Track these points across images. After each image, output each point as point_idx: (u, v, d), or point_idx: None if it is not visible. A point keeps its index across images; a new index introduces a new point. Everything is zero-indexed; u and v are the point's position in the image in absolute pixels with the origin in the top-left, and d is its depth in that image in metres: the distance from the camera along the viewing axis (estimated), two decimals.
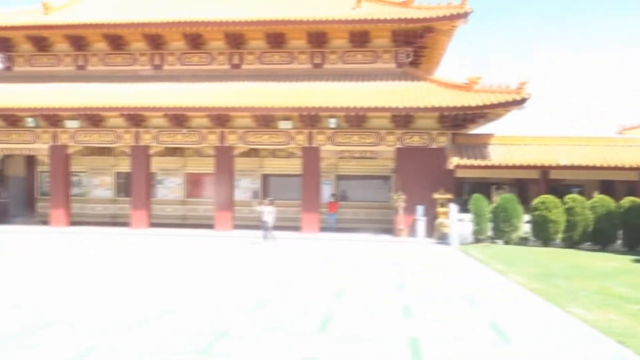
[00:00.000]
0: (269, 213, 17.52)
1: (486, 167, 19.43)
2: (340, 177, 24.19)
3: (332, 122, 20.51)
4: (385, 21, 20.36)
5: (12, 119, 21.96)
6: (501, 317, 7.60)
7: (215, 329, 6.63)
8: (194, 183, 24.96)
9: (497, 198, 18.63)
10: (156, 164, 23.78)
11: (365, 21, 20.43)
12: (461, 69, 57.56)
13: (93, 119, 21.44)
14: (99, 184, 25.57)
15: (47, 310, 7.63)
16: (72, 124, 21.70)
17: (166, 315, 7.42)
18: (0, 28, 21.91)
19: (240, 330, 6.66)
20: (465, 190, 20.84)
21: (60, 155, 22.30)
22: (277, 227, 20.19)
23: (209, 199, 23.17)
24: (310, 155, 21.00)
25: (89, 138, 22.11)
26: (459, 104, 18.86)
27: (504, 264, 12.92)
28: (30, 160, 25.38)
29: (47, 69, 23.41)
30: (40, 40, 23.08)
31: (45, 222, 22.95)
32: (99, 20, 21.25)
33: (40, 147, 22.42)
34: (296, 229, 21.29)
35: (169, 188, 25.00)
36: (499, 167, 19.40)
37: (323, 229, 21.48)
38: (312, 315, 7.57)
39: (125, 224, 22.50)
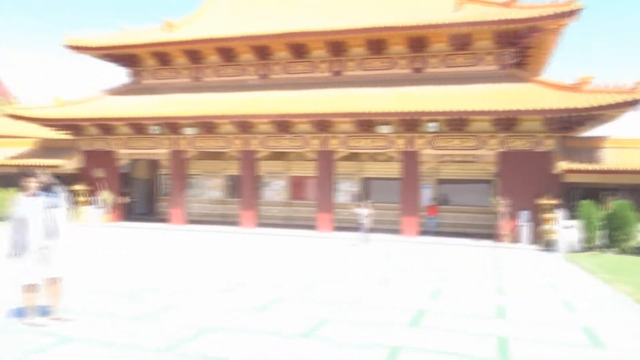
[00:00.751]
0: (366, 215, 18.01)
1: (598, 171, 18.53)
2: (440, 181, 24.29)
3: (432, 126, 20.61)
4: (487, 23, 20.12)
5: (139, 127, 24.50)
6: (597, 325, 7.57)
7: (314, 317, 7.35)
8: (297, 186, 26.34)
9: (611, 204, 17.72)
10: (262, 167, 25.36)
11: (468, 24, 20.31)
12: (573, 68, 54.17)
13: (207, 126, 23.31)
14: (211, 186, 27.81)
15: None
16: (189, 131, 23.72)
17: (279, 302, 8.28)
18: (129, 46, 24.41)
19: (337, 321, 7.31)
20: (573, 196, 19.99)
21: (178, 160, 24.50)
22: (376, 230, 20.73)
23: (311, 201, 24.19)
24: (410, 159, 21.31)
25: (204, 144, 24.03)
26: (566, 105, 18.17)
27: (613, 274, 12.47)
28: (153, 164, 28.21)
29: (168, 81, 25.90)
30: (162, 55, 25.59)
31: (164, 220, 25.26)
32: (212, 35, 23.06)
33: (162, 152, 24.75)
34: (395, 231, 21.71)
35: (275, 190, 26.56)
36: (612, 171, 18.42)
37: (422, 232, 21.71)
38: (406, 311, 8.06)
39: (234, 223, 24.24)
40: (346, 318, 7.58)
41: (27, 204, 6.44)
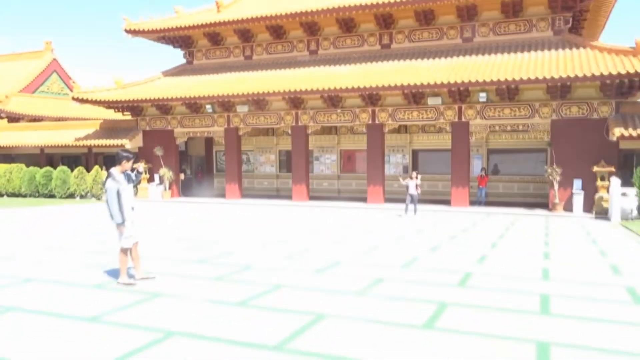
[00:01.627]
0: (415, 186, 18.29)
1: None
2: (491, 151, 24.52)
3: (482, 96, 20.71)
4: None
5: (194, 107, 25.73)
6: None
7: (370, 277, 8.14)
8: (347, 159, 27.15)
9: None
10: (313, 142, 26.35)
11: None
12: (632, 32, 51.46)
13: (259, 103, 24.21)
14: (264, 161, 29.08)
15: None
16: (242, 109, 24.71)
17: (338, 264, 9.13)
18: (183, 28, 25.53)
19: (391, 280, 8.07)
20: (629, 164, 19.79)
21: (232, 137, 25.62)
22: (427, 201, 21.28)
23: (362, 174, 24.83)
24: (460, 129, 21.57)
25: (256, 120, 25.03)
26: (623, 70, 17.86)
27: None
28: (208, 142, 29.68)
29: (220, 60, 27.09)
30: (214, 35, 26.68)
31: (221, 195, 26.73)
32: (262, 14, 23.81)
33: (217, 130, 25.93)
34: (446, 202, 22.28)
35: (325, 164, 27.51)
36: None
37: (473, 202, 22.14)
38: (454, 272, 8.72)
39: (287, 197, 25.43)
40: (400, 278, 8.29)
41: (122, 180, 7.50)
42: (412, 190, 18.20)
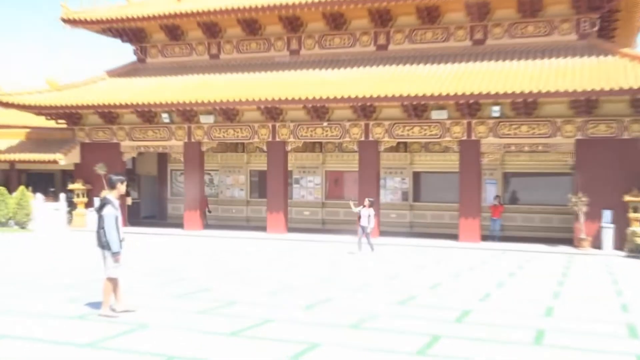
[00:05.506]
0: (367, 216, 19.44)
1: None
2: (507, 175, 26.87)
3: (496, 111, 22.65)
4: None
5: (147, 115, 27.32)
6: None
7: (363, 312, 10.31)
8: (334, 182, 29.18)
9: None
10: (293, 160, 28.05)
11: None
12: None
13: (228, 113, 25.87)
14: (232, 184, 30.92)
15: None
16: (206, 119, 26.31)
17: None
18: (135, 19, 27.49)
19: (387, 316, 10.23)
20: None
21: (194, 153, 27.24)
22: (431, 235, 23.47)
23: (351, 200, 26.59)
24: (469, 149, 23.63)
25: (223, 134, 26.79)
26: None
27: None
28: (162, 158, 31.29)
29: (180, 59, 29.12)
30: (173, 29, 28.67)
31: (177, 225, 28.03)
32: (232, 5, 25.72)
33: (175, 144, 27.56)
34: (453, 236, 24.10)
35: (307, 188, 29.46)
36: None
37: (486, 237, 24.03)
38: (452, 309, 10.90)
39: (260, 228, 26.92)
40: (396, 314, 10.46)
41: (116, 205, 9.61)
42: (364, 222, 19.43)
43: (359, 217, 19.64)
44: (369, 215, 19.46)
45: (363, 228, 19.50)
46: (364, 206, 19.78)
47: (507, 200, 26.47)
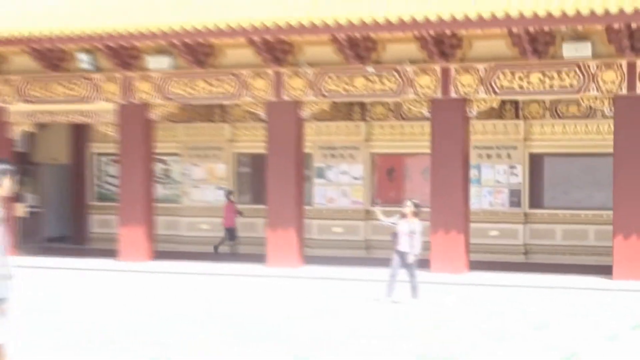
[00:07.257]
0: (409, 232, 14.76)
1: None
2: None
3: None
4: None
5: (52, 56, 20.55)
6: None
7: None
8: (387, 174, 22.92)
9: None
10: (314, 136, 22.13)
11: None
12: None
13: (197, 51, 19.69)
14: (204, 178, 24.17)
15: None
16: (158, 63, 19.92)
17: None
18: None
19: None
20: None
21: (136, 123, 20.65)
22: (565, 268, 17.97)
23: (377, 206, 21.26)
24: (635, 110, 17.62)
25: (189, 89, 20.31)
26: None
27: None
28: (79, 135, 24.92)
29: None
30: None
31: (106, 252, 21.46)
32: None
33: (101, 109, 20.86)
34: (604, 270, 17.47)
35: (339, 186, 23.14)
36: None
37: None
38: None
39: (252, 258, 20.15)
40: None
41: None
42: (403, 244, 14.97)
43: (395, 236, 15.44)
44: (412, 232, 15.00)
45: (401, 255, 15.07)
46: (403, 215, 15.47)
47: None
